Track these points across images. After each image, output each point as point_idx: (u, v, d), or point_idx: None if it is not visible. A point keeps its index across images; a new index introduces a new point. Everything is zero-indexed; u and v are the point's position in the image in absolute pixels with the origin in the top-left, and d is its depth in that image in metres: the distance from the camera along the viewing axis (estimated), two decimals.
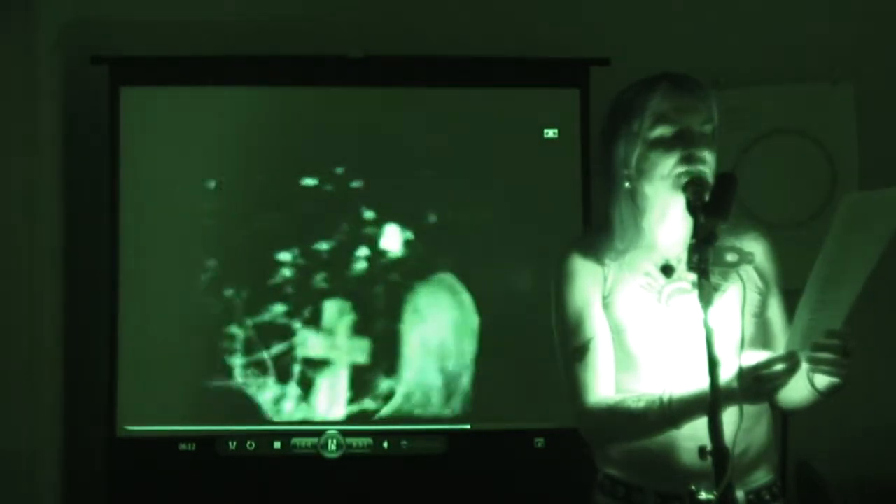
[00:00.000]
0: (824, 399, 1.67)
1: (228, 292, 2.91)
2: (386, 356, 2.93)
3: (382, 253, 2.94)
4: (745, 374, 1.55)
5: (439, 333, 2.94)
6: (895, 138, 3.11)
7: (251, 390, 2.89)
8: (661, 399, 1.67)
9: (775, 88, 3.09)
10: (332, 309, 2.93)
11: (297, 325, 2.92)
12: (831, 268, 1.50)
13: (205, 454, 2.85)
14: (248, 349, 2.90)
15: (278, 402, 2.90)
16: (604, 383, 1.77)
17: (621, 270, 1.79)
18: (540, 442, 2.89)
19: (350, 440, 2.88)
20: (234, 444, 2.87)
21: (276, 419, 2.89)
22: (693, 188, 1.66)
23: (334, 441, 2.87)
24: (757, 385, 1.56)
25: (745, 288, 1.66)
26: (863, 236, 1.48)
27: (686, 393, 1.64)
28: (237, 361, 2.89)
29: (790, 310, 1.77)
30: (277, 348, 2.91)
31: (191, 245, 2.91)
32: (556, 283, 1.83)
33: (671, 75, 1.75)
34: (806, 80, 3.09)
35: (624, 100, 1.78)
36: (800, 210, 3.04)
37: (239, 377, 2.89)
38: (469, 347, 2.94)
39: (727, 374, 1.54)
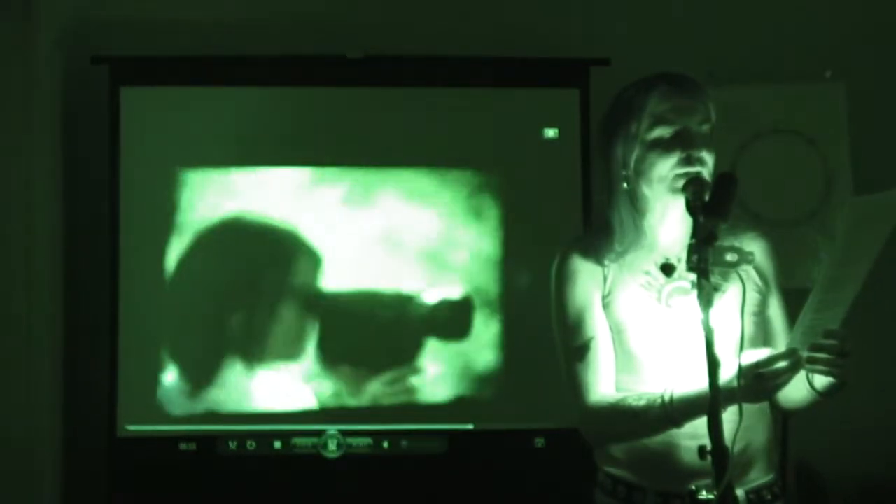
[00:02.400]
0: (823, 399, 1.67)
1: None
2: None
3: None
4: (746, 372, 1.54)
5: None
6: (887, 138, 3.12)
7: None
8: (662, 398, 1.66)
9: (771, 88, 3.09)
10: None
11: None
12: (836, 270, 1.51)
13: (205, 454, 2.85)
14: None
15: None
16: (605, 382, 1.77)
17: (621, 270, 1.78)
18: (540, 442, 2.89)
19: (350, 440, 2.88)
20: (234, 444, 2.87)
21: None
22: (693, 188, 1.65)
23: (334, 441, 2.87)
24: (758, 383, 1.55)
25: (744, 288, 1.65)
26: (864, 238, 1.49)
27: (687, 392, 1.63)
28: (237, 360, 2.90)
29: (790, 308, 1.78)
30: None
31: (190, 244, 2.91)
32: (557, 284, 1.83)
33: (668, 75, 1.75)
34: (801, 80, 3.09)
35: (621, 101, 1.77)
36: (795, 208, 3.04)
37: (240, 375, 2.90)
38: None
39: (727, 374, 1.54)
